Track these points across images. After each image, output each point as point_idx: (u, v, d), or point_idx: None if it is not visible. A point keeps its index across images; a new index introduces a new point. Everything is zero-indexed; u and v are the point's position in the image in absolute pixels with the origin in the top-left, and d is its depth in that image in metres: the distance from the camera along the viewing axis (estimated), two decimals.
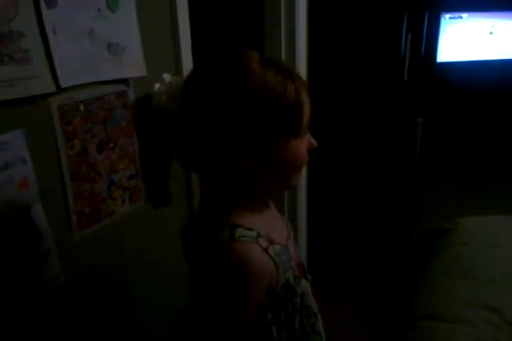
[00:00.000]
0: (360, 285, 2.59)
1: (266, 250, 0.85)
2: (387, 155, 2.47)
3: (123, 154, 1.32)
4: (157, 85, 0.89)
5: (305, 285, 0.99)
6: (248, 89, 0.80)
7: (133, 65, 1.30)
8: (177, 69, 1.50)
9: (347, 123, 2.46)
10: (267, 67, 0.82)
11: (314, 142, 0.91)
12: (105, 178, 1.27)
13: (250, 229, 0.85)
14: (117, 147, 1.30)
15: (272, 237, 0.89)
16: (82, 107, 1.17)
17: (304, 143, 0.88)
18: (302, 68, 2.27)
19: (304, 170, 2.41)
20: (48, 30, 1.03)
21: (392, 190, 2.55)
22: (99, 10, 1.16)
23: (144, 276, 1.50)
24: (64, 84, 1.08)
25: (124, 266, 1.41)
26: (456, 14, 3.68)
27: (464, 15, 3.71)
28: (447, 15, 3.65)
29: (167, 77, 0.90)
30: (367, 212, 2.60)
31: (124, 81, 1.29)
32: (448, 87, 3.68)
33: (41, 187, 1.08)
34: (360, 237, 2.63)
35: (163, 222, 1.50)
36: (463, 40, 3.76)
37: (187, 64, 1.51)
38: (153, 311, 1.54)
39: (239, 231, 0.84)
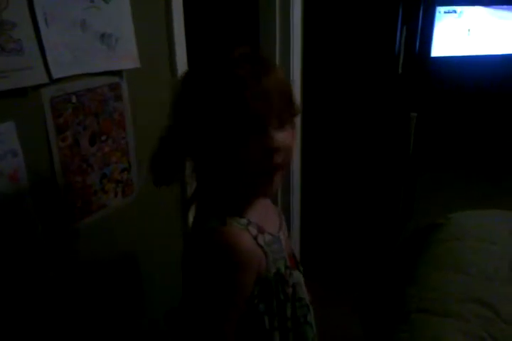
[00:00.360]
0: (352, 280, 2.60)
1: (255, 238, 0.87)
2: (381, 149, 2.47)
3: (115, 147, 1.31)
4: None
5: (297, 277, 1.01)
6: (200, 85, 0.84)
7: (126, 57, 1.28)
8: (171, 61, 1.49)
9: (340, 117, 2.46)
10: (231, 64, 0.82)
11: (284, 141, 0.82)
12: (97, 171, 1.26)
13: (241, 217, 0.88)
14: (110, 139, 1.29)
15: (262, 226, 0.91)
16: (74, 99, 1.15)
17: (269, 143, 0.80)
18: (296, 62, 2.26)
19: (298, 164, 2.42)
20: (40, 20, 1.01)
21: (385, 184, 2.55)
22: (92, 0, 1.14)
23: (137, 269, 1.49)
24: (56, 76, 1.07)
25: (116, 259, 1.40)
26: (451, 8, 3.68)
27: (459, 9, 3.70)
28: (442, 10, 3.65)
29: None
30: (360, 207, 2.61)
31: (118, 72, 1.28)
32: (442, 81, 3.67)
33: (32, 179, 1.07)
34: (353, 232, 2.64)
35: (155, 216, 1.49)
36: (457, 34, 3.75)
37: (181, 57, 1.50)
38: (147, 304, 1.53)
39: (230, 218, 0.86)
